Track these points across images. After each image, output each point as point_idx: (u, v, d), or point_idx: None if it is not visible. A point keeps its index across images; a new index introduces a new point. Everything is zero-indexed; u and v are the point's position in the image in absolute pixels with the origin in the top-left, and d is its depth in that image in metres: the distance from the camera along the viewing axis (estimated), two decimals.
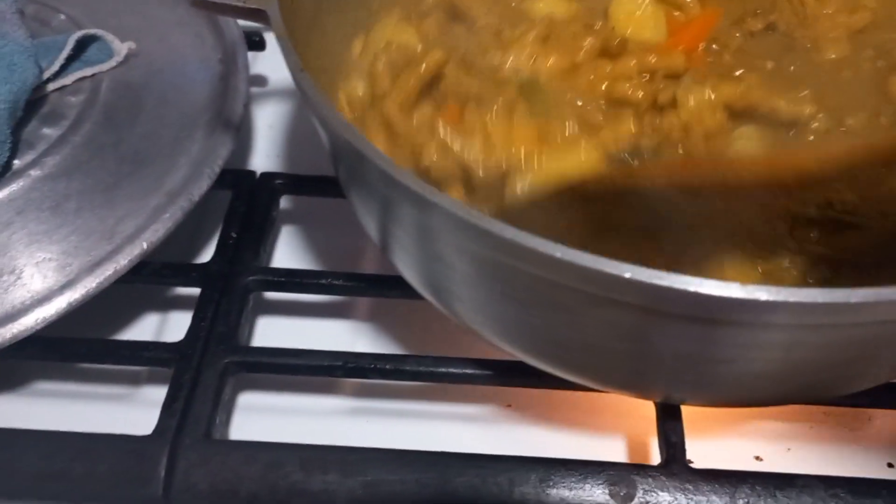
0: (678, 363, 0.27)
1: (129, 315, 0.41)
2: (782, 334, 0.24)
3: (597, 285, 0.23)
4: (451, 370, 0.36)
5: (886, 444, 0.37)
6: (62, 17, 0.47)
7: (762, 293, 0.22)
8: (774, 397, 0.30)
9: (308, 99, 0.28)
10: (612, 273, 0.22)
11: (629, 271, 0.22)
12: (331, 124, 0.27)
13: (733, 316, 0.23)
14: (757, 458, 0.37)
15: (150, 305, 0.42)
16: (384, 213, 0.30)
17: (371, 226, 0.33)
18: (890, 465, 0.37)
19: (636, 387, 0.31)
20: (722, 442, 0.38)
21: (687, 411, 0.35)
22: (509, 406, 0.39)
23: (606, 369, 0.29)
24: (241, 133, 0.44)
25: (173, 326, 0.41)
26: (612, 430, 0.38)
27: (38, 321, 0.35)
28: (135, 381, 0.40)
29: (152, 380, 0.39)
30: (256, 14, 0.31)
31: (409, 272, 0.33)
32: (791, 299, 0.21)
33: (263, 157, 0.49)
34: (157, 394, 0.38)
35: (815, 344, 0.24)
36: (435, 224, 0.26)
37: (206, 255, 0.40)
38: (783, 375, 0.27)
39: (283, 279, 0.39)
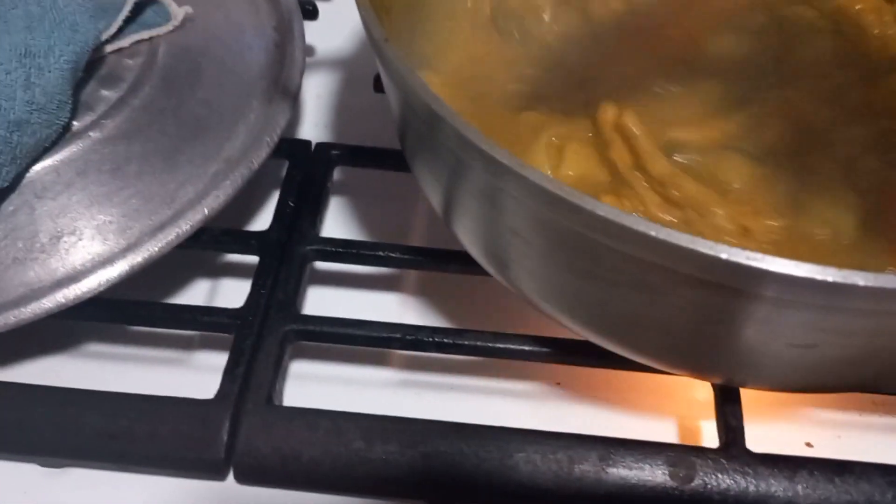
0: (757, 346, 0.27)
1: (186, 281, 0.41)
2: (871, 320, 0.24)
3: (691, 265, 0.23)
4: (510, 346, 0.36)
5: None
6: None
7: (859, 279, 0.22)
8: (845, 384, 0.30)
9: (386, 59, 0.28)
10: (707, 253, 0.22)
11: (725, 252, 0.22)
12: (409, 83, 0.27)
13: (827, 300, 0.23)
14: (808, 444, 0.37)
15: (205, 272, 0.42)
16: (455, 182, 0.30)
17: (436, 195, 0.33)
18: None
19: (704, 368, 0.31)
20: (773, 427, 0.38)
21: (743, 396, 0.35)
22: (558, 384, 0.40)
23: (679, 350, 0.29)
24: (296, 104, 0.44)
25: (229, 293, 0.41)
26: (663, 412, 0.39)
27: (101, 283, 0.35)
28: (188, 346, 0.40)
29: (206, 345, 0.40)
30: None
31: (475, 245, 0.33)
32: (889, 286, 0.22)
33: (312, 127, 0.49)
34: (212, 359, 0.39)
35: None
36: (517, 195, 0.26)
37: (263, 224, 0.40)
38: (861, 362, 0.27)
39: (340, 249, 0.39)
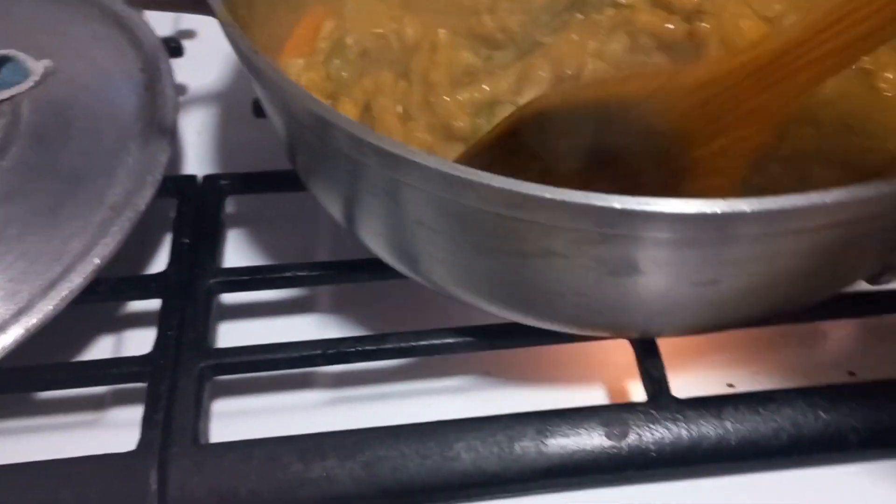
0: (664, 290, 0.28)
1: (88, 337, 0.40)
2: (764, 245, 0.25)
3: (588, 221, 0.24)
4: (434, 341, 0.36)
5: (844, 354, 0.40)
6: None
7: (745, 206, 0.23)
8: (754, 315, 0.32)
9: (265, 76, 0.28)
10: (601, 205, 0.23)
11: (617, 202, 0.23)
12: (294, 97, 0.27)
13: (720, 233, 0.24)
14: (729, 384, 0.39)
15: (108, 324, 0.40)
16: (354, 186, 0.30)
17: (336, 205, 0.33)
18: (851, 373, 0.39)
19: (620, 325, 0.32)
20: (695, 376, 0.39)
21: (663, 350, 0.36)
22: (488, 373, 0.40)
23: (594, 310, 0.30)
24: (175, 141, 0.43)
25: (137, 342, 0.39)
26: (591, 380, 0.39)
27: None
28: (100, 405, 0.38)
29: (120, 401, 0.38)
30: (198, 5, 0.30)
31: (384, 246, 0.33)
32: (773, 207, 0.23)
33: (199, 163, 0.48)
34: (128, 413, 0.37)
35: (793, 251, 0.26)
36: (417, 184, 0.26)
37: (162, 265, 0.39)
38: (764, 289, 0.28)
39: (245, 277, 0.38)
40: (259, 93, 0.34)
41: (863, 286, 0.36)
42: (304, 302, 0.42)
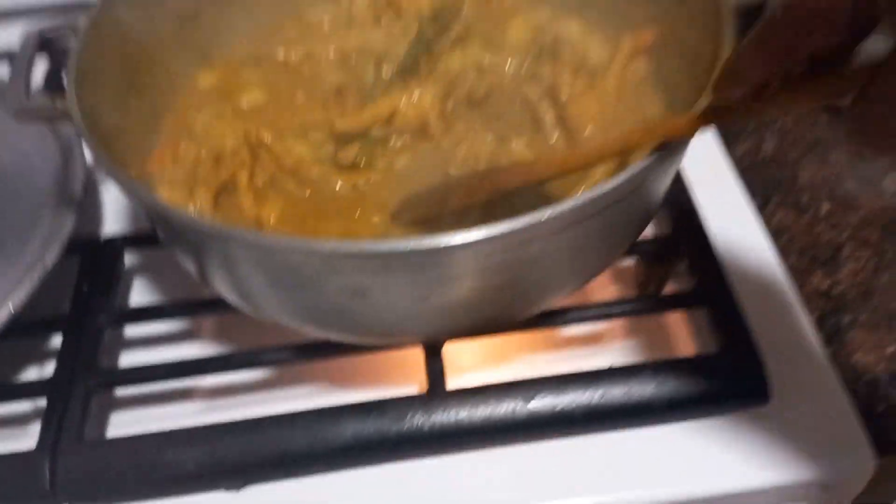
0: (400, 305, 0.38)
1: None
2: (437, 272, 0.36)
3: (317, 258, 0.35)
4: (270, 356, 0.46)
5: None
6: None
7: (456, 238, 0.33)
8: (476, 324, 0.42)
9: (121, 185, 0.38)
10: (319, 248, 0.34)
11: (333, 245, 0.34)
12: (145, 202, 0.38)
13: (414, 262, 0.35)
14: None
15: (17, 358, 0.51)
16: (197, 252, 0.41)
17: (189, 265, 0.44)
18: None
19: (391, 336, 0.43)
20: (479, 376, 0.48)
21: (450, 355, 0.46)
22: (332, 382, 0.50)
23: (361, 326, 0.41)
24: (93, 206, 0.54)
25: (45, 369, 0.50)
26: (407, 380, 0.49)
27: None
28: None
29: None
30: (65, 117, 0.41)
31: (227, 291, 0.42)
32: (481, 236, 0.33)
33: (114, 223, 0.59)
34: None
35: (494, 268, 0.36)
36: (237, 249, 0.37)
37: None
38: (470, 304, 0.38)
39: (129, 313, 0.49)
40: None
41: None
42: (186, 334, 0.53)
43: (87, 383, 0.45)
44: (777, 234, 0.55)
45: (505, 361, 0.50)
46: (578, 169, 0.40)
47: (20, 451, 0.43)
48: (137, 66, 0.50)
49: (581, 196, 0.34)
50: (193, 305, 0.50)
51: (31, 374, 0.51)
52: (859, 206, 0.58)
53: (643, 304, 0.48)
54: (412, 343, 0.45)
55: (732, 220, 0.54)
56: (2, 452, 0.43)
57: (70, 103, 0.41)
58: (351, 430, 0.43)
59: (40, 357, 0.52)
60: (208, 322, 0.53)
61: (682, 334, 0.50)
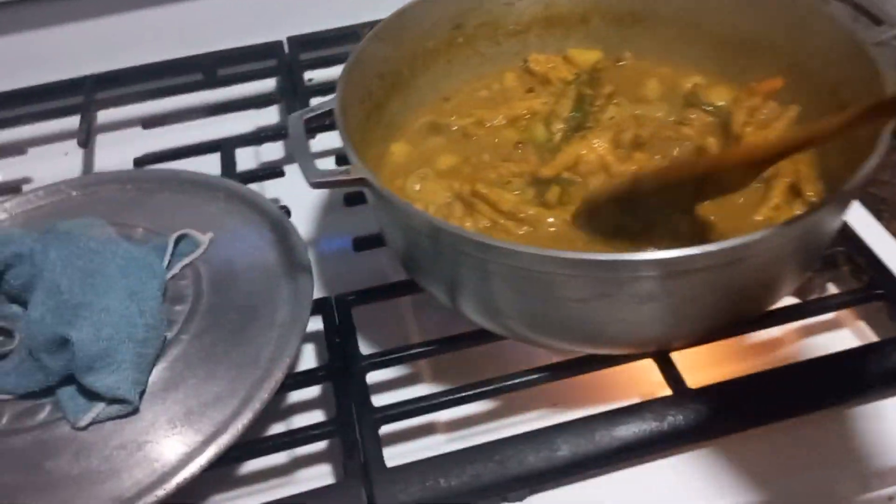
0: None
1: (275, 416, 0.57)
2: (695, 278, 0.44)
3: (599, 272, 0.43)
4: (520, 380, 0.53)
5: None
6: (140, 229, 0.63)
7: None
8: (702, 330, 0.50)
9: (398, 210, 0.47)
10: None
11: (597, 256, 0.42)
12: (417, 220, 0.46)
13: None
14: None
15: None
16: (459, 272, 0.48)
17: (441, 291, 0.50)
18: None
19: (643, 344, 0.50)
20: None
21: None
22: (555, 405, 0.56)
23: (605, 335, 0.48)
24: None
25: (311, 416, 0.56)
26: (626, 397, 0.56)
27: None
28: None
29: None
30: (360, 182, 0.48)
31: (476, 311, 0.50)
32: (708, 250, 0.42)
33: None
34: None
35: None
36: (502, 262, 0.45)
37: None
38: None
39: (385, 358, 0.55)
40: (382, 219, 0.53)
41: None
42: (414, 376, 0.59)
43: (373, 418, 0.51)
44: None
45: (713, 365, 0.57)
46: (765, 159, 0.49)
47: (330, 483, 0.49)
48: None
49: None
50: (429, 347, 0.56)
51: (299, 420, 0.56)
52: None
53: (846, 299, 0.58)
54: (650, 349, 0.52)
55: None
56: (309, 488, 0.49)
57: (355, 170, 0.49)
58: (624, 431, 0.49)
59: (295, 407, 0.57)
60: (427, 366, 0.60)
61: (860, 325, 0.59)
